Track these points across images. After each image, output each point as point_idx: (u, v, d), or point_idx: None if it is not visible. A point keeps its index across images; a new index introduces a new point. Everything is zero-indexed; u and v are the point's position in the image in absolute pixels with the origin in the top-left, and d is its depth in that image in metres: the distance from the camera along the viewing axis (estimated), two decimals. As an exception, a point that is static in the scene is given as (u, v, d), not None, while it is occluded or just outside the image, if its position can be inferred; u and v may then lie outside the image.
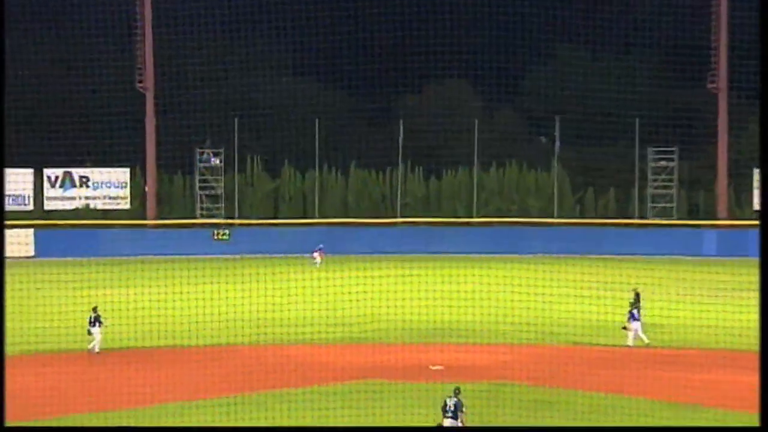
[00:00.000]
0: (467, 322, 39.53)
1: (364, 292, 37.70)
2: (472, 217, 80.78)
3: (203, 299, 39.00)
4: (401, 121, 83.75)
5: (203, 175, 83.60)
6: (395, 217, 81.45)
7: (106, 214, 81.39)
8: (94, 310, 37.17)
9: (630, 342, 37.79)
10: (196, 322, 37.67)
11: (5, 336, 15.56)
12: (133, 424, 26.59)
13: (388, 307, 38.24)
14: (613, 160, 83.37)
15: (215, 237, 78.93)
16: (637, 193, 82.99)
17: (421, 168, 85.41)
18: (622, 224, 76.73)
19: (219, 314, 38.63)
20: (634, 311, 38.35)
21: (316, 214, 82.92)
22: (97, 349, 36.63)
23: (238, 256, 70.65)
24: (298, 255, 68.53)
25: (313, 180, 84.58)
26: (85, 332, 36.55)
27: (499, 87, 78.48)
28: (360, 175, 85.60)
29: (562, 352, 36.13)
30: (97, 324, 36.74)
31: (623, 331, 38.22)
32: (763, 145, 15.76)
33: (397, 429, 26.19)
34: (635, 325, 38.07)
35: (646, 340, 37.86)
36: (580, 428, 26.44)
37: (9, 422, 17.52)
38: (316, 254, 68.27)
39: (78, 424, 26.67)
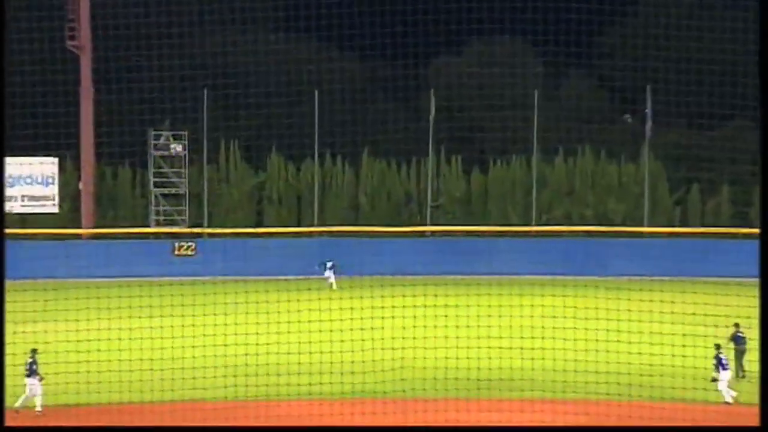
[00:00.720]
0: (524, 369, 39.75)
1: (382, 328, 37.94)
2: (530, 225, 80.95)
3: (161, 338, 39.26)
4: (433, 93, 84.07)
5: (160, 167, 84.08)
6: (424, 224, 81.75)
7: (25, 219, 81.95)
8: (33, 353, 37.70)
9: (728, 398, 38.26)
10: (151, 369, 37.94)
11: (5, 338, 16.66)
12: None
13: (414, 348, 38.49)
14: (727, 146, 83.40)
15: (177, 252, 79.42)
16: (760, 192, 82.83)
17: (459, 157, 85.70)
18: (740, 235, 76.62)
19: (183, 359, 38.89)
20: (723, 357, 38.73)
21: (315, 221, 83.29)
22: (39, 407, 37.06)
23: (207, 278, 71.06)
24: (292, 277, 68.80)
25: (311, 174, 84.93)
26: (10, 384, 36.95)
27: (568, 46, 78.68)
28: (376, 167, 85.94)
29: (655, 411, 36.27)
30: (34, 374, 37.23)
31: (713, 383, 38.63)
32: (763, 146, 16.57)
33: (397, 429, 27.59)
34: (724, 375, 38.44)
35: (730, 398, 38.20)
36: (581, 428, 28.65)
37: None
38: (329, 272, 69.39)
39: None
